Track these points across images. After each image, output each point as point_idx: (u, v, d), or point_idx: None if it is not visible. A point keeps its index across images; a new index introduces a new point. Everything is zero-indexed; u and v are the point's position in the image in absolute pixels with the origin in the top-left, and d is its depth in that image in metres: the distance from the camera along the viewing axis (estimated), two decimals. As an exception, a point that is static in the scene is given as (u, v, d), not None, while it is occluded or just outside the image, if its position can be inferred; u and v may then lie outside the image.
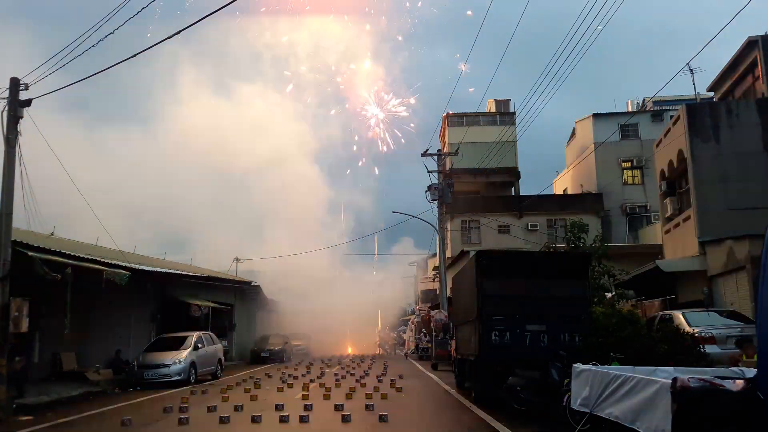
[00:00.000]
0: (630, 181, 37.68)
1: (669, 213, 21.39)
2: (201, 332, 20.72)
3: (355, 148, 47.16)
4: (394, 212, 59.54)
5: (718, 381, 5.26)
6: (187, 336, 19.47)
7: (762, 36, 19.52)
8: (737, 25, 12.04)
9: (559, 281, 11.37)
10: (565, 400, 7.93)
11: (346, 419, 9.93)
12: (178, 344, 18.74)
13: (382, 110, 44.22)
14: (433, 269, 43.98)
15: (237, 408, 11.34)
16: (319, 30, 44.12)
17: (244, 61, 53.59)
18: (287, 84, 45.36)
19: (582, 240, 17.96)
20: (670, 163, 20.60)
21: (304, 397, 12.94)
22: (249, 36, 47.74)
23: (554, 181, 46.27)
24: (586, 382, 7.06)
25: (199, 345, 19.37)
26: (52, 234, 20.43)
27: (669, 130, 21.26)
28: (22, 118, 12.92)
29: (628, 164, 37.41)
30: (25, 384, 13.88)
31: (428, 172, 30.94)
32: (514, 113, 40.44)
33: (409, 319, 44.05)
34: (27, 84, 12.94)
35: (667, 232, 21.74)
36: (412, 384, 16.67)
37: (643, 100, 42.26)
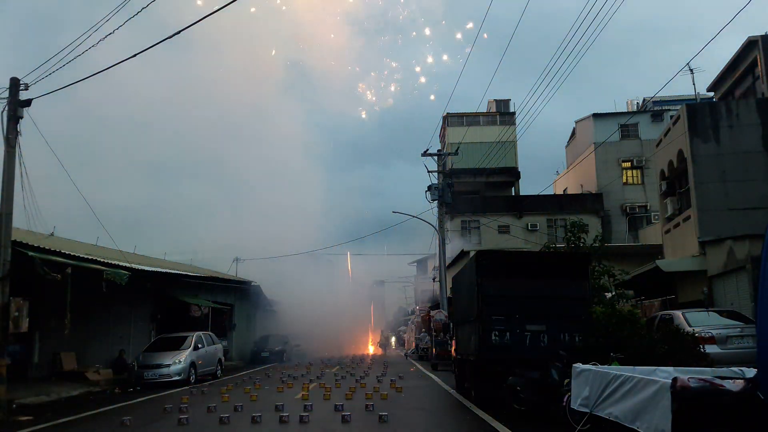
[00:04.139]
0: (630, 181, 37.66)
1: (669, 213, 21.38)
2: (201, 332, 20.72)
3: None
4: (394, 212, 59.35)
5: (718, 381, 5.26)
6: (187, 336, 19.48)
7: (762, 36, 19.52)
8: (737, 25, 12.06)
9: (559, 281, 11.34)
10: (565, 400, 7.92)
11: (345, 419, 9.92)
12: (178, 344, 18.76)
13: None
14: (433, 269, 43.96)
15: (237, 408, 11.33)
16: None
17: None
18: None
19: (582, 240, 17.94)
20: (670, 163, 20.60)
21: (304, 398, 12.94)
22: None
23: (554, 181, 46.30)
24: (586, 382, 7.06)
25: (199, 345, 19.37)
26: (52, 234, 20.42)
27: (669, 130, 21.25)
28: (22, 118, 12.91)
29: (628, 164, 37.41)
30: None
31: (428, 172, 30.94)
32: (513, 113, 40.48)
33: (409, 319, 44.07)
34: (27, 84, 12.94)
35: (667, 232, 21.73)
36: (412, 384, 16.66)
37: (643, 100, 42.23)
